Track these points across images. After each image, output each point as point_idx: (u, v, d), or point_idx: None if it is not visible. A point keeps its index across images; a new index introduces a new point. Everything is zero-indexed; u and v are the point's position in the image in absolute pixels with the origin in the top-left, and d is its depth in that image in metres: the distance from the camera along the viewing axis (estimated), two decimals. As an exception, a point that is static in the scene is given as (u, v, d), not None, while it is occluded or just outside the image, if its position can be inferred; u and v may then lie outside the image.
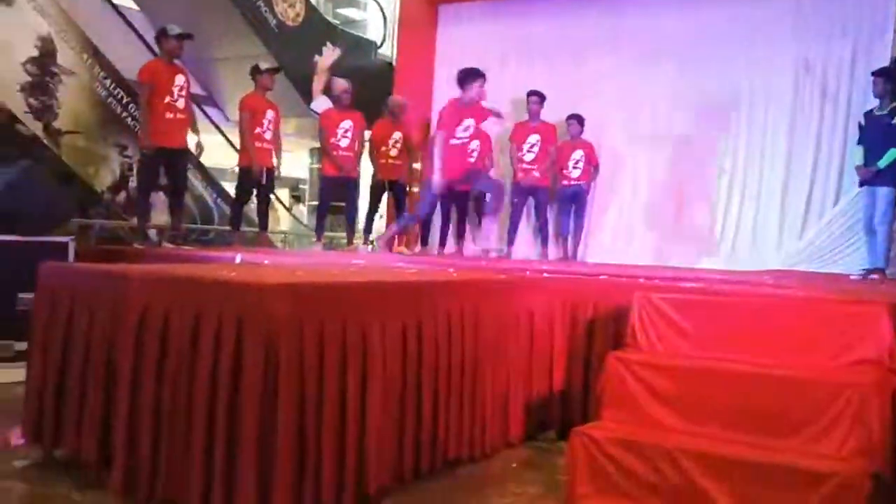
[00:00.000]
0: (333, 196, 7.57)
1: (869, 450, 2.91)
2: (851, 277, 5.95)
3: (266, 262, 4.90)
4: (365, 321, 2.99)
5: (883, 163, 5.88)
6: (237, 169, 7.13)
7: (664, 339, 3.66)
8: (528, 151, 7.58)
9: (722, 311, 3.62)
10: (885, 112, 6.06)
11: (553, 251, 7.75)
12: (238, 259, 4.92)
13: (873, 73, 6.29)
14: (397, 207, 7.88)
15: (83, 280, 3.30)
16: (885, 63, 6.68)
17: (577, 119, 7.63)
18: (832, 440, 2.97)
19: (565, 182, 7.65)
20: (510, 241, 7.76)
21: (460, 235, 7.88)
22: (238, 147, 7.26)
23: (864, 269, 6.04)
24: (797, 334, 3.41)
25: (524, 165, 7.57)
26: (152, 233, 7.73)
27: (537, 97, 7.61)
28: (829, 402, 3.01)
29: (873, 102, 6.32)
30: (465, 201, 7.69)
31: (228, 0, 8.96)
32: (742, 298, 3.75)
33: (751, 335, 3.49)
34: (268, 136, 6.87)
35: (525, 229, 7.98)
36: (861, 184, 6.19)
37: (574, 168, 7.61)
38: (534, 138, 7.57)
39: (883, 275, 5.89)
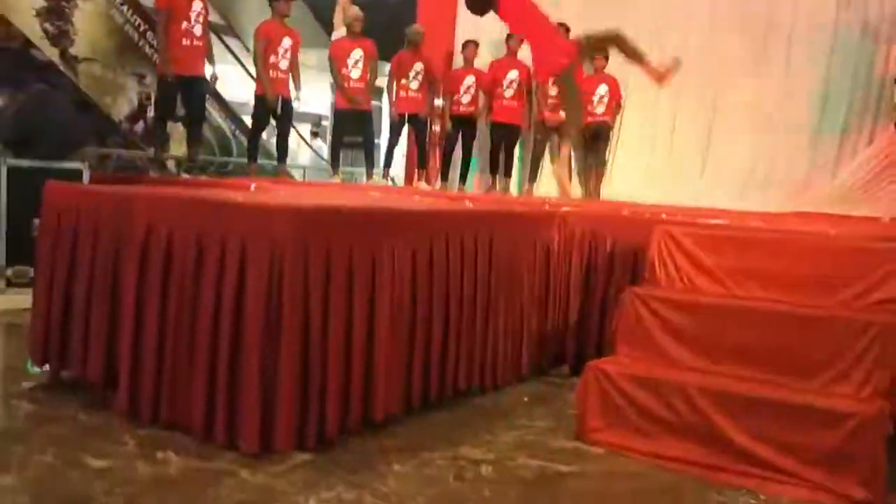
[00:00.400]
0: (348, 129, 7.42)
1: (891, 391, 2.82)
2: (883, 220, 5.75)
3: (280, 191, 4.81)
4: (373, 246, 2.91)
5: None
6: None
7: (684, 275, 3.55)
8: (554, 86, 7.35)
9: (745, 247, 3.49)
10: None
11: (576, 189, 7.58)
12: (252, 188, 4.83)
13: None
14: (417, 143, 7.73)
15: (89, 201, 3.24)
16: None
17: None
18: (853, 380, 2.88)
19: (589, 118, 7.43)
20: (531, 179, 7.61)
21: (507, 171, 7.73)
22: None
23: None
24: (821, 273, 3.29)
25: (550, 101, 7.37)
26: (170, 164, 7.67)
27: (562, 29, 7.34)
28: (851, 342, 2.91)
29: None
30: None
31: (247, -74, 8.71)
32: (766, 235, 3.60)
33: (773, 273, 3.37)
34: (283, 64, 6.69)
35: (547, 168, 7.81)
36: None
37: (598, 104, 7.40)
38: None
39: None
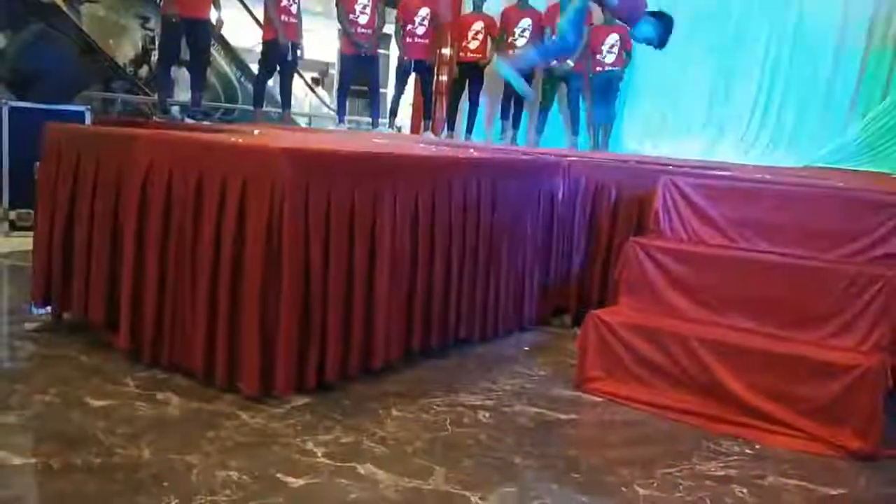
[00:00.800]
0: (355, 76, 7.33)
1: (893, 344, 2.81)
2: (894, 176, 5.69)
3: (284, 136, 4.77)
4: (375, 191, 2.88)
5: None
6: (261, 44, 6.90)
7: (689, 226, 3.53)
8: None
9: (750, 199, 3.44)
10: None
11: (584, 140, 7.51)
12: (256, 133, 4.79)
13: None
14: (423, 91, 7.62)
15: (89, 140, 3.21)
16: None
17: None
18: (855, 334, 2.87)
19: (599, 68, 7.32)
20: (539, 130, 7.52)
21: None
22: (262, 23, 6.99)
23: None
24: (827, 225, 3.25)
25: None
26: (175, 109, 7.60)
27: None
28: (855, 295, 2.89)
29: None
30: None
31: None
32: (772, 187, 3.56)
33: (779, 225, 3.34)
34: (294, 9, 6.59)
35: (556, 116, 7.71)
36: None
37: (609, 53, 7.27)
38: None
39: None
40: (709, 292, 3.17)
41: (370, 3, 6.95)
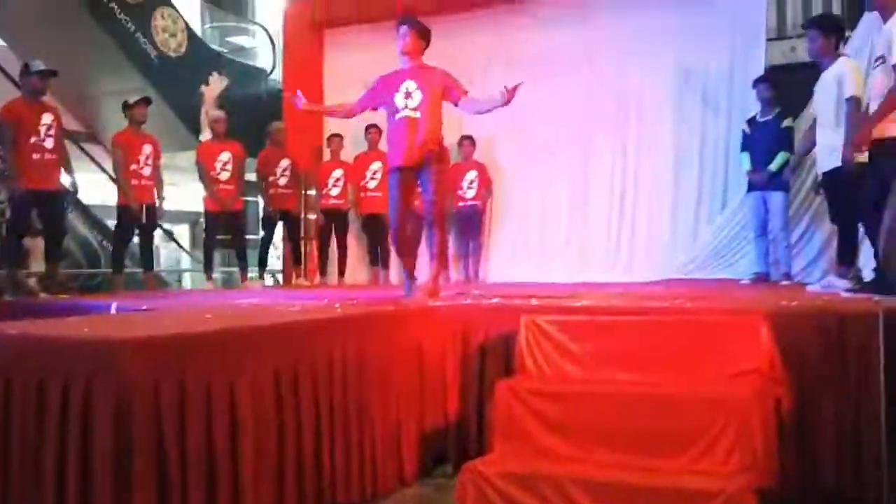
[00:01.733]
0: (220, 231, 7.32)
1: (753, 463, 2.91)
2: (741, 283, 6.06)
3: (144, 307, 4.63)
4: (232, 373, 2.81)
5: (774, 166, 5.99)
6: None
7: (552, 363, 3.60)
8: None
9: (607, 331, 3.57)
10: (770, 117, 6.16)
11: (454, 273, 7.68)
12: (113, 308, 4.64)
13: (756, 81, 6.43)
14: (291, 238, 7.67)
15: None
16: (760, 71, 6.90)
17: (470, 140, 7.62)
18: (717, 456, 2.95)
19: (461, 203, 7.61)
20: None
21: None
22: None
23: (753, 274, 6.16)
24: (682, 350, 3.40)
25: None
26: (33, 280, 7.29)
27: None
28: (712, 417, 2.99)
29: (754, 109, 6.47)
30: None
31: (105, 34, 8.59)
32: (627, 318, 3.71)
33: (637, 354, 3.46)
34: (146, 171, 6.57)
35: (424, 251, 7.87)
36: (750, 188, 6.26)
37: (468, 188, 7.58)
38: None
39: (766, 279, 6.05)
40: (577, 428, 3.21)
41: (231, 160, 7.03)
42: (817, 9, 8.45)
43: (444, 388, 4.08)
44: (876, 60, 4.27)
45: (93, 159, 9.19)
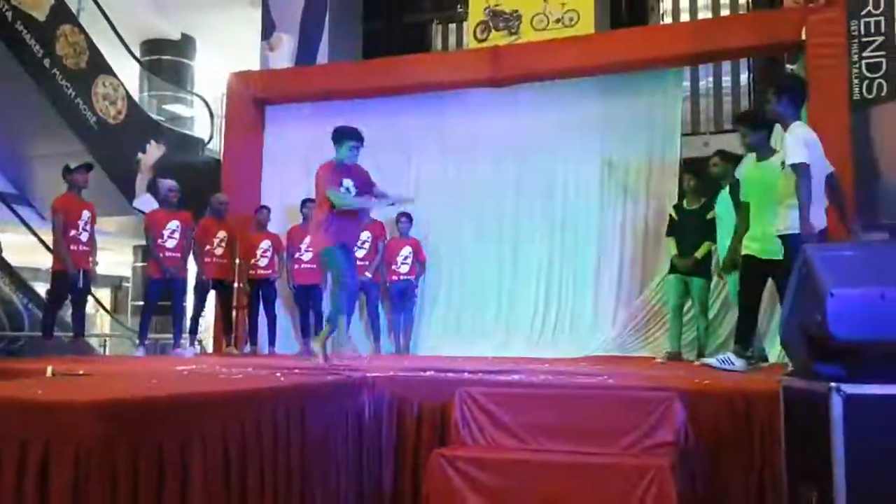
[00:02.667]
0: (160, 297, 7.34)
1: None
2: (656, 361, 6.42)
3: (81, 372, 4.66)
4: (185, 437, 2.93)
5: (699, 255, 6.36)
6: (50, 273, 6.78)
7: (485, 433, 3.82)
8: (360, 248, 7.72)
9: (538, 403, 3.84)
10: (696, 207, 6.52)
11: (385, 345, 7.85)
12: (49, 372, 4.64)
13: (685, 171, 6.89)
14: (223, 306, 7.74)
15: None
16: (676, 162, 7.46)
17: (407, 217, 7.90)
18: (638, 522, 3.20)
19: (394, 277, 7.84)
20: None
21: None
22: (51, 247, 6.91)
23: (666, 353, 6.53)
24: (605, 422, 3.68)
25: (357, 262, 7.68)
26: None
27: (366, 194, 7.82)
28: (633, 485, 3.26)
29: (673, 198, 6.91)
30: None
31: (44, 98, 8.64)
32: (555, 390, 3.98)
33: (564, 424, 3.72)
34: (84, 237, 6.61)
35: (357, 324, 8.05)
36: (672, 270, 6.56)
37: (403, 264, 7.83)
38: (364, 235, 7.73)
39: (679, 358, 6.39)
40: (509, 496, 3.43)
41: (179, 229, 7.13)
42: (728, 109, 9.24)
43: (380, 457, 4.23)
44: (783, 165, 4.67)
45: (22, 220, 9.08)
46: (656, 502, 3.21)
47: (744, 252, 5.07)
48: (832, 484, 2.78)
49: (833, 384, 2.81)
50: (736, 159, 6.18)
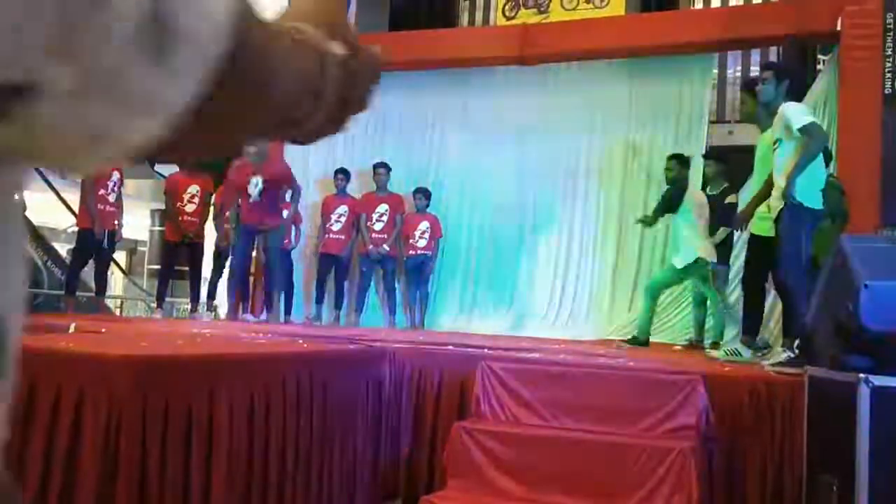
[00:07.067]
0: (177, 262, 7.37)
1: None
2: (675, 348, 6.41)
3: (103, 330, 4.69)
4: (212, 395, 2.95)
5: (717, 239, 6.32)
6: (75, 230, 6.82)
7: (506, 408, 3.83)
8: (378, 221, 7.73)
9: (558, 381, 3.84)
10: (716, 193, 6.49)
11: (401, 319, 7.88)
12: (72, 328, 4.68)
13: (704, 156, 6.86)
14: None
15: None
16: (701, 149, 7.41)
17: (424, 193, 7.89)
18: (659, 500, 3.22)
19: (411, 252, 7.84)
20: (358, 310, 7.81)
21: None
22: (72, 207, 6.94)
23: (686, 340, 6.51)
24: (627, 402, 3.69)
25: (374, 235, 7.70)
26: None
27: (384, 169, 7.83)
28: (653, 467, 3.27)
29: (694, 184, 6.86)
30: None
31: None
32: (578, 369, 3.98)
33: (586, 403, 3.73)
34: (112, 198, 6.63)
35: (373, 297, 8.08)
36: None
37: (420, 238, 7.83)
38: (382, 208, 7.74)
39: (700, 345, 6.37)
40: (528, 470, 3.44)
41: (198, 192, 7.13)
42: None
43: (398, 426, 4.26)
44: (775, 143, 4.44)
45: (45, 178, 9.10)
46: (676, 484, 3.22)
47: (752, 231, 5.01)
48: (855, 474, 2.79)
49: (862, 375, 2.81)
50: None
